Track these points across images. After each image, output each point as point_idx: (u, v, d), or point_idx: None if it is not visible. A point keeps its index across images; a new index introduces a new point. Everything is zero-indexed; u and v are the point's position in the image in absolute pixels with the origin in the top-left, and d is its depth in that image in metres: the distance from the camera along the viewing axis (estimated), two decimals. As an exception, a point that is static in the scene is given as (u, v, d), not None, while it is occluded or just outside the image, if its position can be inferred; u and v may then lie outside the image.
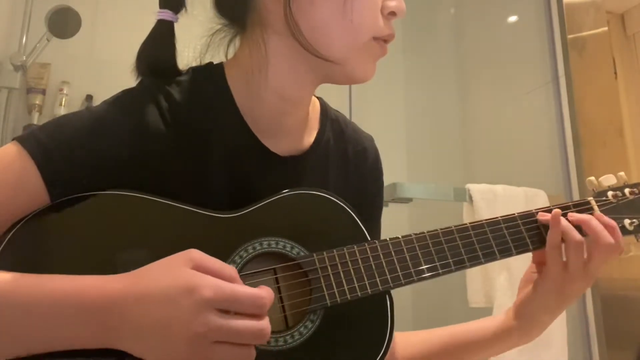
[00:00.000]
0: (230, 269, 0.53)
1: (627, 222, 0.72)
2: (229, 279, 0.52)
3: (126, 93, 0.67)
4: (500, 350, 0.76)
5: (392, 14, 0.67)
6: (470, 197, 1.56)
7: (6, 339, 0.51)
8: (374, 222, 0.82)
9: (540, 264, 0.73)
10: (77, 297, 0.52)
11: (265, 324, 0.51)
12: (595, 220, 0.69)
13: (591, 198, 0.74)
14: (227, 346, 0.50)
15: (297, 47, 0.65)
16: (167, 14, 0.69)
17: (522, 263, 1.48)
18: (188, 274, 0.51)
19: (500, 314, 0.78)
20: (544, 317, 0.73)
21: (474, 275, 1.54)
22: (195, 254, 0.53)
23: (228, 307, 0.50)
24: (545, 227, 0.71)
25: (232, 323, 0.50)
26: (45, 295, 0.52)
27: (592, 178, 0.76)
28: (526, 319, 0.73)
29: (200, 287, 0.49)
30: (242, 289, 0.51)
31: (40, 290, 0.52)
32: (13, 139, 0.60)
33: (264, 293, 0.52)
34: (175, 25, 0.70)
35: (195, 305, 0.49)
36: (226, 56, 0.73)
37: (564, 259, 0.69)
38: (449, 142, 2.25)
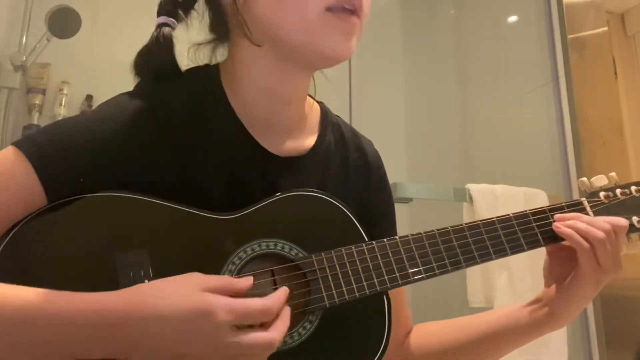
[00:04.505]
0: (236, 283, 0.56)
1: None
2: (238, 293, 0.55)
3: (122, 96, 0.67)
4: (529, 340, 0.77)
5: None
6: (470, 197, 1.56)
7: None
8: (392, 231, 0.82)
9: (554, 255, 0.74)
10: (96, 310, 0.52)
11: (274, 335, 0.54)
12: (599, 221, 0.70)
13: (584, 199, 0.75)
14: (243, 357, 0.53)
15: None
16: (165, 20, 0.69)
17: (522, 263, 1.49)
18: (201, 296, 0.53)
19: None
20: (579, 308, 0.75)
21: (474, 275, 1.54)
22: (199, 278, 0.55)
23: (241, 323, 0.53)
24: (540, 226, 0.71)
25: (245, 339, 0.53)
26: (61, 309, 0.51)
27: (584, 179, 0.77)
28: (562, 311, 0.74)
29: (214, 311, 0.52)
30: (253, 304, 0.54)
31: (57, 304, 0.52)
32: (11, 144, 0.61)
33: (270, 303, 0.55)
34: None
35: (212, 328, 0.52)
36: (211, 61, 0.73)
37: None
38: (449, 142, 2.24)
